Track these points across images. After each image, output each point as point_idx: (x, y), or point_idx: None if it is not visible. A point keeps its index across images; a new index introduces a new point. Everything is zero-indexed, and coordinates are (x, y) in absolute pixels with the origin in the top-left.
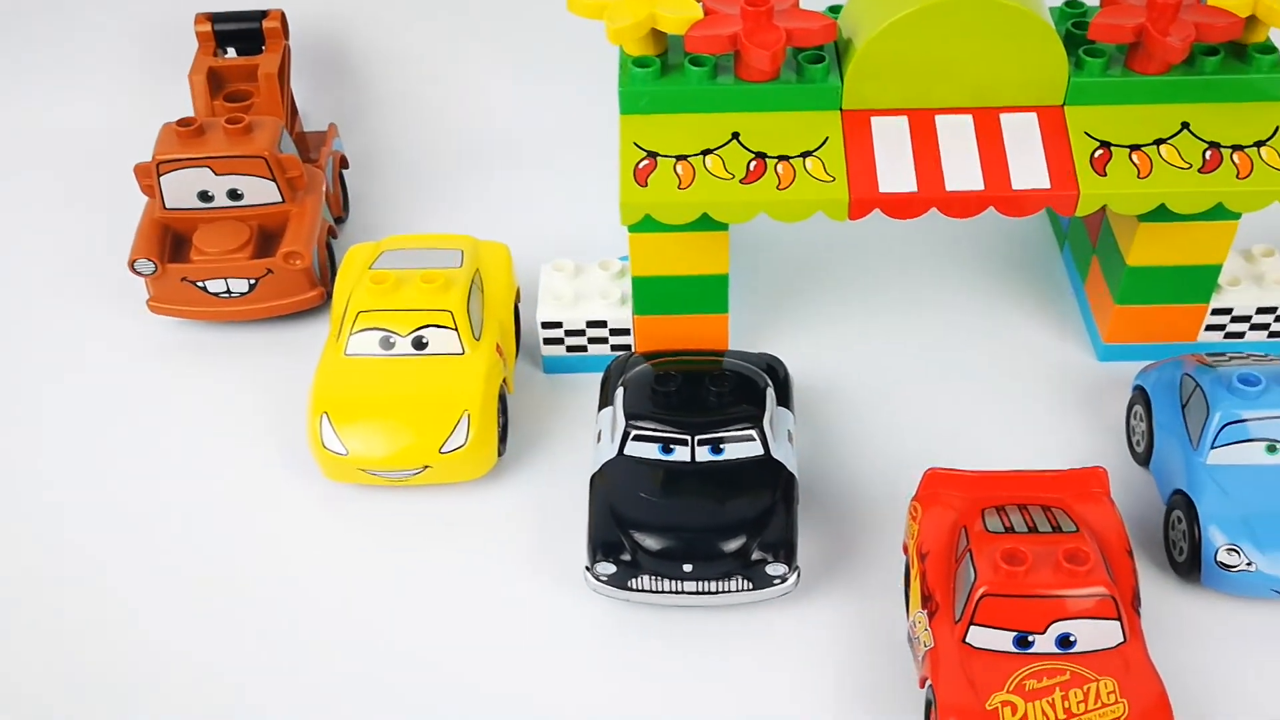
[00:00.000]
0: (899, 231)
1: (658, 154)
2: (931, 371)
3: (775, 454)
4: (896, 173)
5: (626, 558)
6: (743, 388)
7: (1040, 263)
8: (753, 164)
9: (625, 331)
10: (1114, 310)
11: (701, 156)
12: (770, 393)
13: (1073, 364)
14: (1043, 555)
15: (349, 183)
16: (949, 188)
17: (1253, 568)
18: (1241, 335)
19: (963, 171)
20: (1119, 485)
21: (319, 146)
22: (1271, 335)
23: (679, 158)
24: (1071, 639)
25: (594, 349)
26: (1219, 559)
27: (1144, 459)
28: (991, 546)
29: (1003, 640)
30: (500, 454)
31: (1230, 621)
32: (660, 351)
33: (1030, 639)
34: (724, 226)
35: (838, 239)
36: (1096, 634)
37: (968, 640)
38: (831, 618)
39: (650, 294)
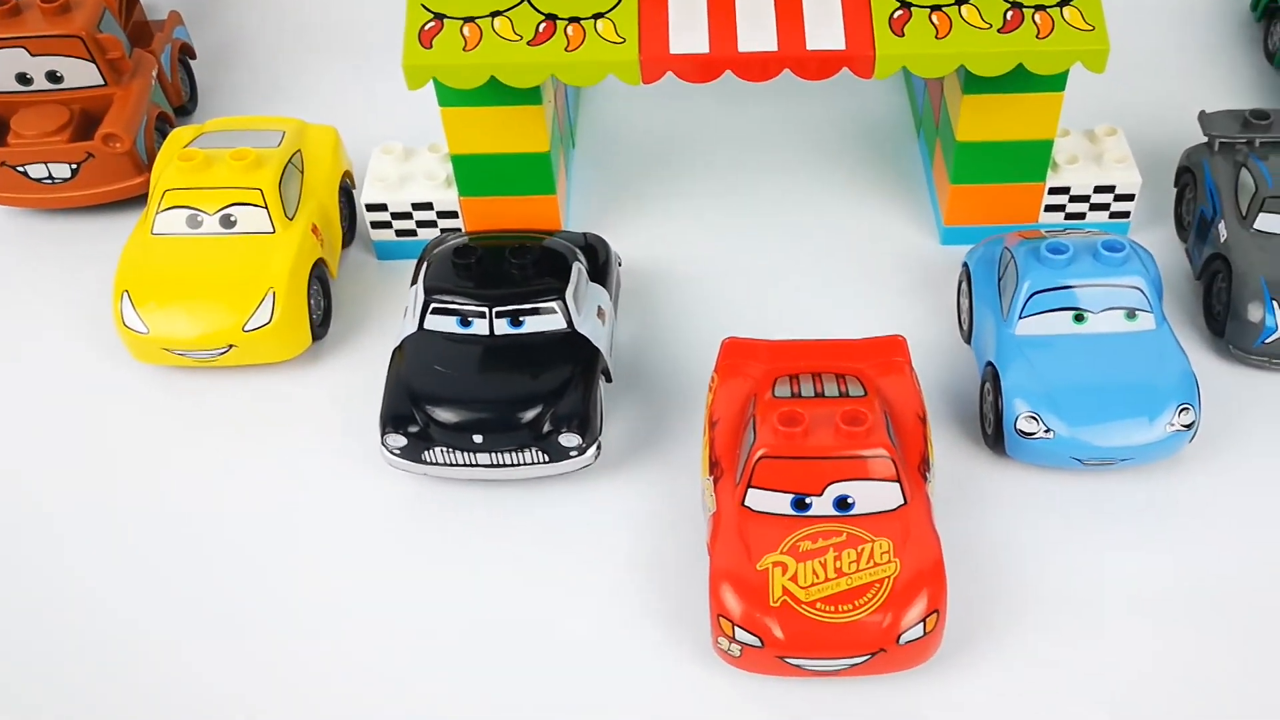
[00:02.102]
0: (760, 117)
1: (445, 16)
2: (775, 256)
3: (579, 328)
4: (689, 34)
5: (415, 429)
6: (547, 261)
7: (895, 147)
8: (542, 26)
9: (454, 215)
10: (950, 190)
11: (490, 18)
12: (578, 267)
13: (916, 248)
14: (822, 418)
15: (199, 75)
16: (742, 49)
17: (1051, 435)
18: (1083, 216)
19: (757, 32)
20: (948, 365)
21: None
22: (1114, 216)
23: (466, 19)
24: (850, 501)
25: (424, 233)
26: (1018, 427)
27: (969, 336)
28: (774, 411)
29: (781, 503)
30: (320, 337)
31: (1031, 490)
32: (485, 232)
33: (808, 501)
34: (536, 100)
35: (696, 124)
36: (875, 496)
37: (746, 503)
38: (636, 491)
39: (472, 174)
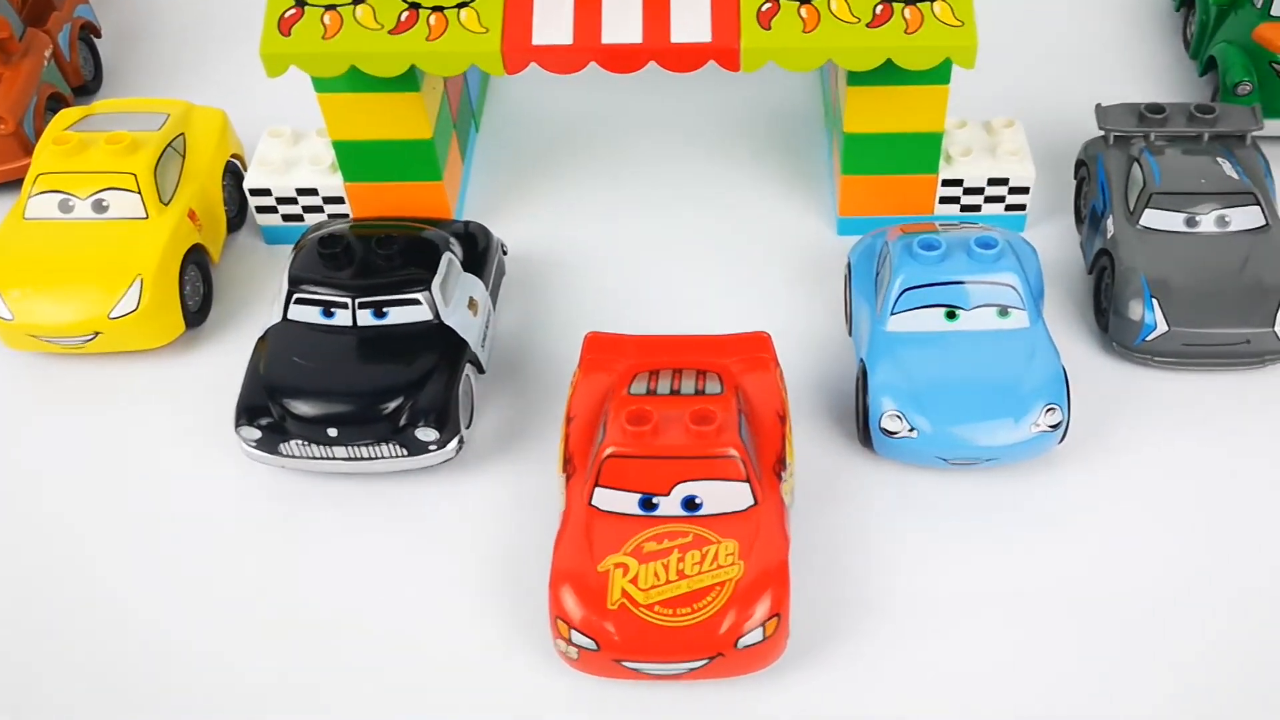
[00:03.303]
0: (677, 105)
1: (306, 3)
2: (674, 246)
3: (446, 320)
4: (553, 24)
5: (266, 421)
6: (414, 251)
7: (806, 139)
8: (405, 15)
9: (340, 200)
10: (842, 181)
11: (352, 6)
12: (449, 257)
13: (815, 239)
14: (672, 417)
15: (105, 53)
16: (605, 40)
17: (915, 434)
18: (978, 209)
19: (622, 23)
20: (834, 359)
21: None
22: (1010, 209)
23: (328, 7)
24: (698, 501)
25: (312, 219)
26: (883, 425)
27: (852, 330)
28: (625, 409)
29: (628, 503)
30: (198, 323)
31: (898, 489)
32: (367, 219)
33: (655, 501)
34: (413, 87)
35: (609, 110)
36: (724, 497)
37: (594, 503)
38: (499, 485)
39: (355, 160)
